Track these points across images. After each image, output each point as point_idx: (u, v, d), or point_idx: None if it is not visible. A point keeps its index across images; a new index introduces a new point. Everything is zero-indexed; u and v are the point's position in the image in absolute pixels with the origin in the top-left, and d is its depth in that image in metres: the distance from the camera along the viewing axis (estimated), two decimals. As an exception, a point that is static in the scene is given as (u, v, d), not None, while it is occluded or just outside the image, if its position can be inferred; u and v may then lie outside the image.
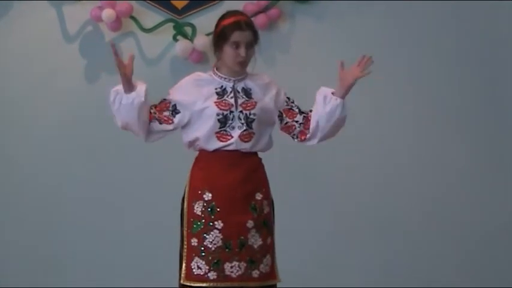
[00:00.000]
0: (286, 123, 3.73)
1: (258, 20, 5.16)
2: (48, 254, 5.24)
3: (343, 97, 3.62)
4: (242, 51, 3.56)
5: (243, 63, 3.61)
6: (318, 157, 5.16)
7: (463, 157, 5.34)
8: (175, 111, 3.60)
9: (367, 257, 5.27)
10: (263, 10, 5.23)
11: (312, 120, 3.68)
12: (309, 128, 3.69)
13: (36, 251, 5.24)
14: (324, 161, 5.23)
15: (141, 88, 3.53)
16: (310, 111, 3.73)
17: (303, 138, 3.71)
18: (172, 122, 3.62)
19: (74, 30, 5.29)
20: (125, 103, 3.52)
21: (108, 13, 5.15)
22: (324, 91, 3.65)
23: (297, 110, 3.73)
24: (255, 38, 3.60)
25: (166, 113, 3.60)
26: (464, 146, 5.34)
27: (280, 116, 3.73)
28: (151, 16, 5.26)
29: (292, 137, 3.76)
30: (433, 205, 5.32)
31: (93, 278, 5.23)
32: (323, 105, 3.62)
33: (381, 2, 5.30)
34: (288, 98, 3.74)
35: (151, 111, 3.61)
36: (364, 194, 5.29)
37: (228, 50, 3.58)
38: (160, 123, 3.61)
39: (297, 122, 3.71)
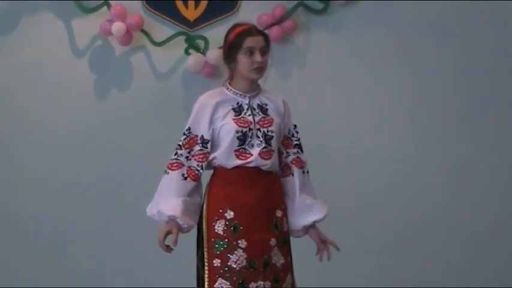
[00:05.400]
0: (278, 148, 3.70)
1: (272, 33, 5.14)
2: (53, 255, 5.30)
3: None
4: (258, 56, 3.54)
5: (260, 70, 3.57)
6: (318, 157, 4.83)
7: (464, 158, 5.35)
8: (204, 141, 3.59)
9: (366, 256, 5.26)
10: (277, 22, 5.20)
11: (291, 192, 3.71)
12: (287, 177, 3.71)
13: (40, 254, 5.30)
14: (324, 161, 5.14)
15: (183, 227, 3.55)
16: (298, 160, 3.71)
17: (285, 175, 3.70)
18: (208, 154, 3.59)
19: (83, 44, 5.31)
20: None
21: (118, 27, 5.13)
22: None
23: (293, 144, 3.73)
24: (267, 44, 3.59)
25: (197, 148, 3.58)
26: (465, 147, 5.35)
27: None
28: (163, 29, 5.27)
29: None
30: (432, 205, 5.33)
31: (96, 279, 5.27)
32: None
33: (400, 12, 5.31)
34: (295, 126, 3.75)
35: (180, 159, 3.57)
36: (363, 193, 5.29)
37: (242, 59, 3.55)
38: (199, 164, 3.58)
39: (288, 154, 3.70)
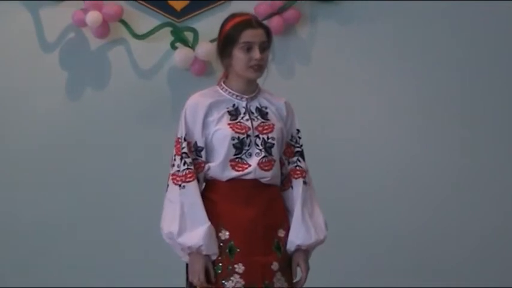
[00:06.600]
0: (280, 158, 3.62)
1: (273, 24, 5.03)
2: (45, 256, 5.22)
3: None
4: (256, 53, 3.40)
5: (258, 68, 3.43)
6: (323, 159, 5.05)
7: (466, 160, 5.33)
8: (198, 149, 3.46)
9: (367, 257, 5.25)
10: (278, 12, 5.11)
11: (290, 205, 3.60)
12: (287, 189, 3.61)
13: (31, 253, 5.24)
14: (329, 163, 5.16)
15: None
16: (297, 170, 3.58)
17: (285, 188, 3.59)
18: (204, 164, 3.45)
19: (53, 37, 5.20)
20: None
21: (93, 16, 5.03)
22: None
23: (295, 151, 3.63)
24: (268, 38, 3.47)
25: (192, 156, 3.49)
26: (473, 147, 5.33)
27: None
28: (145, 20, 5.18)
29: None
30: (434, 208, 5.30)
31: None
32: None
33: (415, 2, 5.28)
34: (298, 131, 3.64)
35: (192, 168, 3.42)
36: (369, 193, 5.25)
37: (238, 54, 3.41)
38: (198, 174, 3.45)
39: (289, 164, 3.59)
